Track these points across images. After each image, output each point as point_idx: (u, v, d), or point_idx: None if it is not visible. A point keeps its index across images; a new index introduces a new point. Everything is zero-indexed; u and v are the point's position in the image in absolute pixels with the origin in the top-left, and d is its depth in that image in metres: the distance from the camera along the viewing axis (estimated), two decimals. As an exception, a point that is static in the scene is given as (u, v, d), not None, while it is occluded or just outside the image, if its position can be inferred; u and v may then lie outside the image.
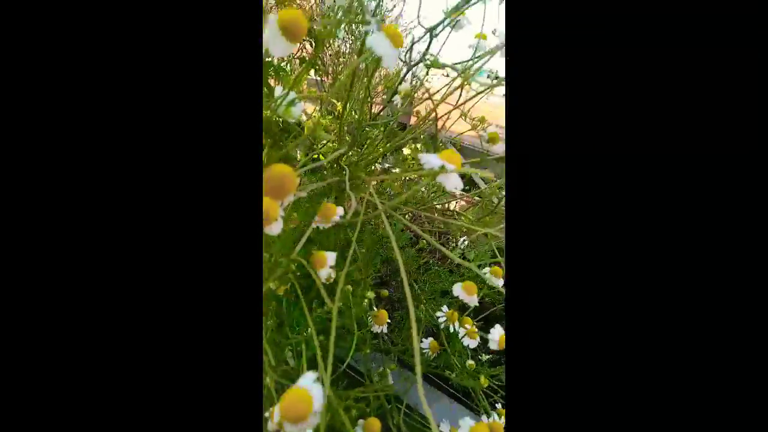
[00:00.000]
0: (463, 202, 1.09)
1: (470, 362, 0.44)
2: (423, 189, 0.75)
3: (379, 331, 0.43)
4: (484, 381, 0.41)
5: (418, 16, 0.55)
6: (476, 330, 0.44)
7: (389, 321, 0.44)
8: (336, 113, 0.74)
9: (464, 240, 0.83)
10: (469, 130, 0.59)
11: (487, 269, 0.49)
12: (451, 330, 0.44)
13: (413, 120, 1.34)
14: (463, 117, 0.61)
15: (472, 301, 0.35)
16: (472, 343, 0.43)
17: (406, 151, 1.05)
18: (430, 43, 0.47)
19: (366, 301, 0.42)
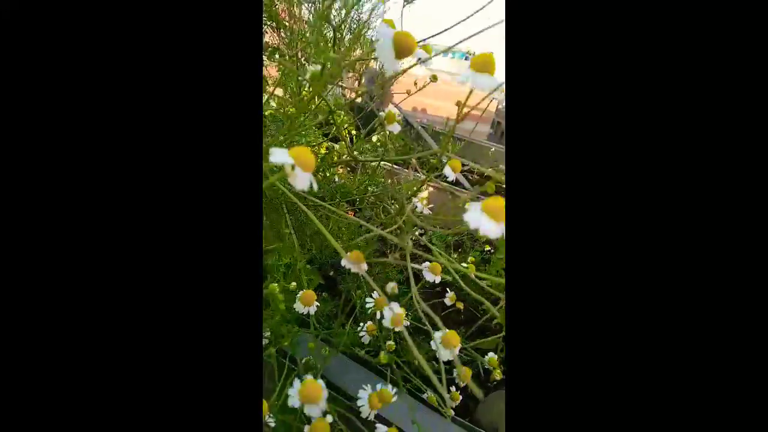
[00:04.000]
0: (431, 189, 1.07)
1: (390, 343, 0.43)
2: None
3: (305, 312, 0.41)
4: (387, 352, 0.40)
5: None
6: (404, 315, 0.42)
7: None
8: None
9: (416, 228, 0.81)
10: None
11: (426, 264, 0.48)
12: (377, 316, 0.43)
13: (390, 105, 1.32)
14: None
15: (362, 268, 0.34)
16: (396, 327, 0.42)
17: (374, 138, 1.04)
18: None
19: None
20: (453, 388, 0.57)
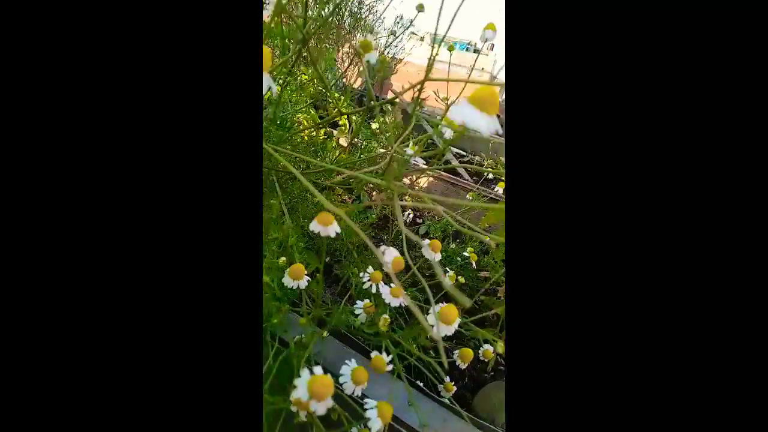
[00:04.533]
0: (431, 178, 1.06)
1: (385, 317, 0.41)
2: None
3: (295, 286, 0.39)
4: (384, 324, 0.38)
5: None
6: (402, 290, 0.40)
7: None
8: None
9: (408, 213, 0.79)
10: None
11: (426, 241, 0.46)
12: (374, 290, 0.40)
13: (390, 94, 1.30)
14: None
15: (330, 231, 0.32)
16: (394, 301, 0.39)
17: (374, 125, 1.02)
18: None
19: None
20: (447, 379, 0.55)
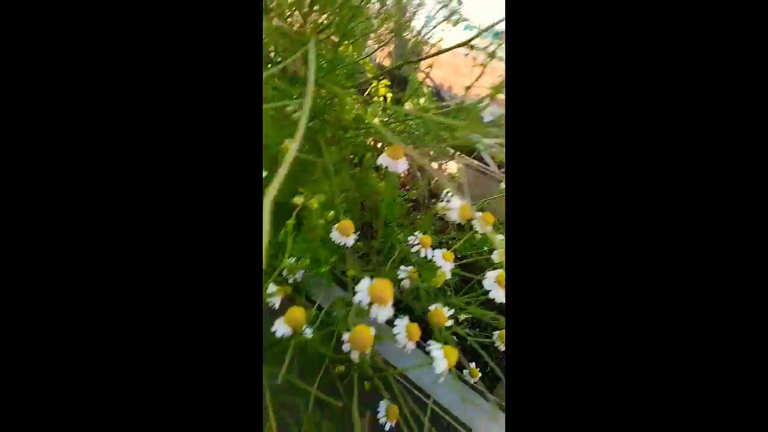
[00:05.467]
0: (461, 165, 1.04)
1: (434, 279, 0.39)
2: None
3: (342, 243, 0.38)
4: (441, 277, 0.37)
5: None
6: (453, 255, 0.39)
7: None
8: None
9: (448, 192, 0.77)
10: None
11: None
12: (422, 255, 0.39)
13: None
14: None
15: (399, 166, 0.33)
16: (447, 265, 0.38)
17: (407, 105, 1.00)
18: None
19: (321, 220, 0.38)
20: (473, 364, 0.54)
